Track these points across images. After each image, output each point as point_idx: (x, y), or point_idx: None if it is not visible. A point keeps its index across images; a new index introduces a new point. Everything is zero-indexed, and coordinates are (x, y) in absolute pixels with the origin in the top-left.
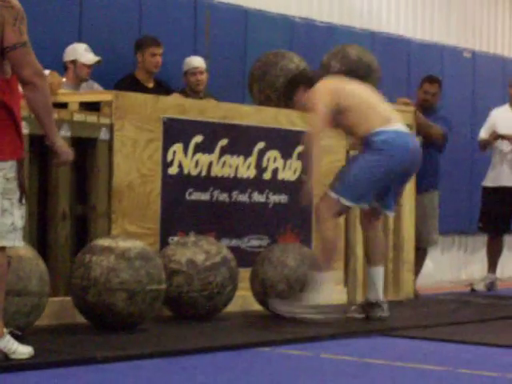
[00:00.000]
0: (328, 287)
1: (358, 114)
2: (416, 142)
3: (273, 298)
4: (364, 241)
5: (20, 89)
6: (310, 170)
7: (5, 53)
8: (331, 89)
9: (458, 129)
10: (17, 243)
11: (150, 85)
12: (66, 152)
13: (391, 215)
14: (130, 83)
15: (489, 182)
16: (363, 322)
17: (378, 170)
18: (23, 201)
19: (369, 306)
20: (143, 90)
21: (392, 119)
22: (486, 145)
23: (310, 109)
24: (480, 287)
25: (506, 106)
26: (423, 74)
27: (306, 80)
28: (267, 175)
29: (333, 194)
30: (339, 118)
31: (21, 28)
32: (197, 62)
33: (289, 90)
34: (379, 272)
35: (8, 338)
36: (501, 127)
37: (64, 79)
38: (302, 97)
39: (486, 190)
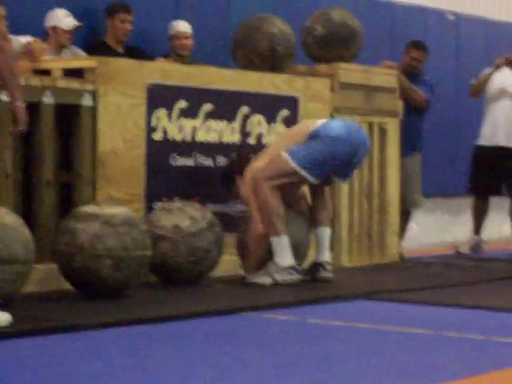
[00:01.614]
0: (283, 251)
1: None
2: None
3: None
4: (311, 204)
5: None
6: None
7: None
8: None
9: (442, 91)
10: None
11: (121, 50)
12: (25, 120)
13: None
14: (101, 49)
15: (483, 141)
16: (345, 285)
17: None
18: None
19: (314, 266)
20: (114, 55)
21: None
22: (482, 84)
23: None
24: (465, 249)
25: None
26: (406, 38)
27: (239, 170)
28: (251, 140)
29: (294, 164)
30: None
31: None
32: (182, 26)
33: (226, 184)
34: (326, 232)
35: None
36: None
37: (46, 46)
38: (239, 185)
39: (479, 149)
